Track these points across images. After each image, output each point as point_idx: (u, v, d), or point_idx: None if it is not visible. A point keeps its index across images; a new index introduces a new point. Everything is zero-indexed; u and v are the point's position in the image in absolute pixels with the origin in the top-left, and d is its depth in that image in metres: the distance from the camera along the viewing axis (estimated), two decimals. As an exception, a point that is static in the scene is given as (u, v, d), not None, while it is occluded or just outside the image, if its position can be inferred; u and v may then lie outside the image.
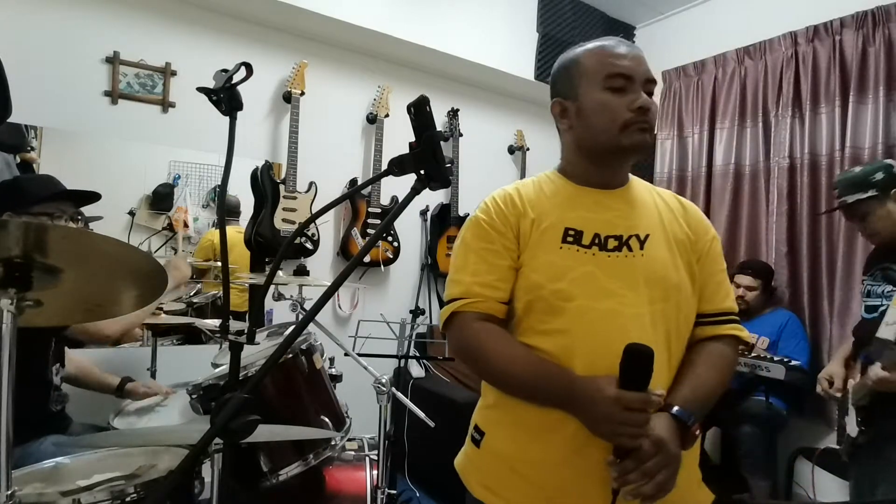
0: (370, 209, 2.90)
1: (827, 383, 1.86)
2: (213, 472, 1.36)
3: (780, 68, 2.84)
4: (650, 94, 0.98)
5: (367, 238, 2.84)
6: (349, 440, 1.78)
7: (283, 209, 2.60)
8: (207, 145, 2.52)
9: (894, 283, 1.74)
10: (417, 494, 2.47)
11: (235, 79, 0.86)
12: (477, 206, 1.07)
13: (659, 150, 3.41)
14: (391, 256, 3.01)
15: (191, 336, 2.49)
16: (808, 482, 2.41)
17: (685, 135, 3.31)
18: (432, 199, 3.27)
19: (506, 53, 3.21)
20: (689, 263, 1.00)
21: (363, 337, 2.08)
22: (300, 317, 1.93)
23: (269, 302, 2.28)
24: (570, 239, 0.97)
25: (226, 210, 2.47)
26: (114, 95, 2.33)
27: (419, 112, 0.70)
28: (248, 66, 0.84)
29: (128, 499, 1.07)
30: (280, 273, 2.02)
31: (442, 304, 1.09)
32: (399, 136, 2.92)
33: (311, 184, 2.71)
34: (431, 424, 1.70)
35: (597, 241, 0.97)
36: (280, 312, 2.60)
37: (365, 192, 2.91)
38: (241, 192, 2.61)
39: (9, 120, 1.51)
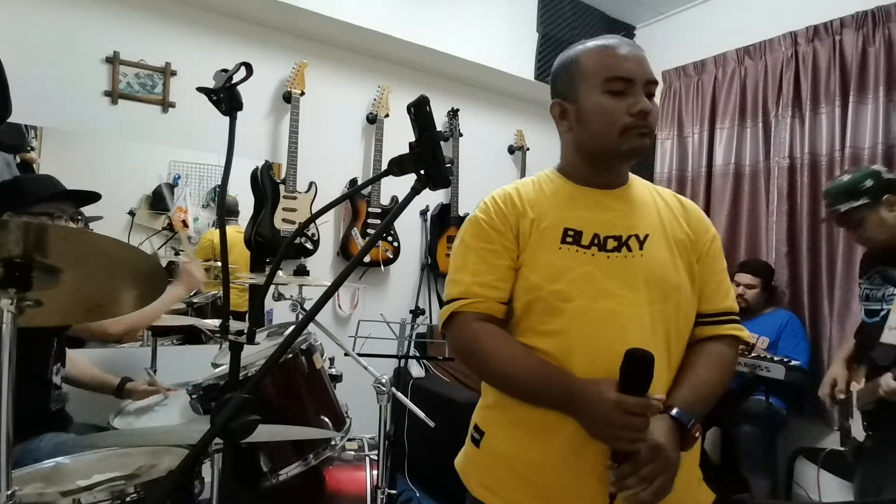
0: (370, 209, 2.90)
1: (830, 387, 1.87)
2: (213, 472, 1.36)
3: (781, 68, 2.84)
4: (651, 95, 0.96)
5: (367, 238, 2.84)
6: (349, 440, 1.78)
7: (283, 209, 2.60)
8: (207, 145, 2.52)
9: (894, 283, 1.74)
10: (417, 494, 2.47)
11: (235, 79, 0.86)
12: (477, 205, 1.07)
13: (659, 150, 3.41)
14: (391, 256, 3.01)
15: (191, 336, 2.49)
16: (809, 483, 2.41)
17: (685, 135, 3.30)
18: (432, 199, 3.27)
19: (506, 53, 3.21)
20: (688, 263, 1.00)
21: (363, 337, 2.08)
22: (300, 317, 1.93)
23: (269, 302, 2.28)
24: (569, 239, 0.97)
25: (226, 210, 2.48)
26: (114, 95, 2.33)
27: (419, 112, 0.70)
28: (248, 66, 0.84)
29: (128, 499, 1.06)
30: (280, 273, 2.02)
31: (442, 304, 1.08)
32: (399, 136, 2.92)
33: (311, 184, 2.71)
34: (431, 424, 1.70)
35: (596, 241, 0.96)
36: (280, 312, 2.60)
37: (365, 192, 2.91)
38: (242, 192, 2.61)
39: (9, 120, 1.51)
